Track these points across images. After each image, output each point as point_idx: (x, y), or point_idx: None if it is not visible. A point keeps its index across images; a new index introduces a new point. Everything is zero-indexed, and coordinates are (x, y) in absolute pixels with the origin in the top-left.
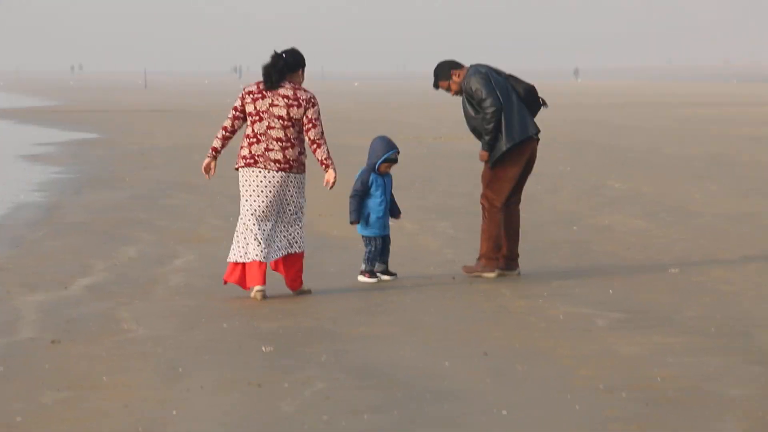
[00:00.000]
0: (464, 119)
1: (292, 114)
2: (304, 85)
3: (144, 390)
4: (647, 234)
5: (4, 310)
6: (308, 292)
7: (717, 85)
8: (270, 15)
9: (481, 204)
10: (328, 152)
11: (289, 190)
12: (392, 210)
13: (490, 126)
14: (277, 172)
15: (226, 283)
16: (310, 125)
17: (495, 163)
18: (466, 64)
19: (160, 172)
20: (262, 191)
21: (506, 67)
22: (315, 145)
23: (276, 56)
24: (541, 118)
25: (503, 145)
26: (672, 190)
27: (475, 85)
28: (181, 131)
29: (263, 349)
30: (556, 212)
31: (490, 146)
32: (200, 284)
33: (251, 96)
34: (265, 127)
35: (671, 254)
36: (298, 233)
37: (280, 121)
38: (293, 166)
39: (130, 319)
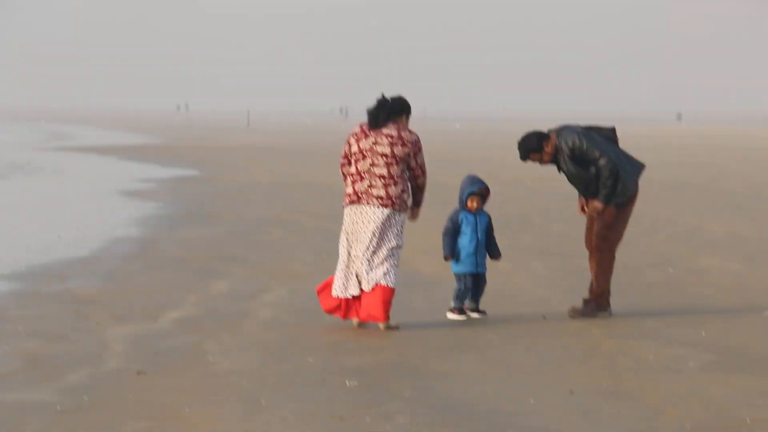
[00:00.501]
0: (567, 179)
1: (396, 152)
2: None
3: (225, 422)
4: (744, 277)
5: (93, 341)
6: (396, 328)
7: None
8: (376, 56)
9: (598, 246)
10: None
11: (390, 227)
12: (491, 250)
13: (611, 181)
14: (378, 207)
15: (326, 311)
16: (420, 172)
17: (617, 207)
18: (546, 131)
19: (257, 209)
20: (363, 226)
21: (604, 111)
22: (420, 193)
23: (382, 99)
24: (641, 160)
25: (628, 190)
26: None
27: (584, 144)
28: (280, 170)
29: (347, 383)
30: (653, 254)
31: (608, 198)
32: (289, 319)
33: (355, 137)
34: (368, 165)
35: None
36: (391, 268)
37: (384, 158)
38: (396, 203)
39: (216, 352)
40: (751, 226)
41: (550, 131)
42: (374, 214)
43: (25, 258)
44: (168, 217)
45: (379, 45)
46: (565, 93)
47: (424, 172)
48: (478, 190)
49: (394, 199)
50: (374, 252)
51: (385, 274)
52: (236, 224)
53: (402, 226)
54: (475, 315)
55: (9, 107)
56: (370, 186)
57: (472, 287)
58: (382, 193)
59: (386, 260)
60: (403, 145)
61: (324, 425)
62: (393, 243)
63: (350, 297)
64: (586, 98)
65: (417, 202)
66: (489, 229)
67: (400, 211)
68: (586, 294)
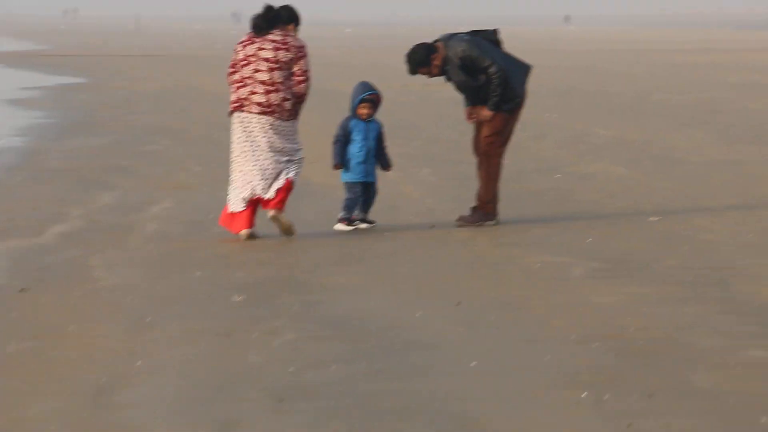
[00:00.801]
0: (455, 87)
1: (280, 57)
2: None
3: (110, 340)
4: (630, 182)
5: None
6: (290, 226)
7: (711, 31)
8: None
9: (486, 152)
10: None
11: (274, 136)
12: (381, 161)
13: (500, 89)
14: (257, 115)
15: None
16: (303, 78)
17: (506, 113)
18: (430, 41)
19: (144, 117)
20: (244, 135)
21: (492, 14)
22: (299, 101)
23: (268, 6)
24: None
25: (517, 96)
26: (657, 137)
27: (473, 52)
28: (168, 77)
29: (234, 298)
30: (540, 160)
31: (498, 105)
32: (176, 231)
33: (242, 45)
34: (251, 71)
35: (653, 202)
36: (293, 167)
37: (267, 63)
38: (275, 111)
39: (101, 267)
40: (636, 130)
41: (436, 42)
42: (253, 122)
43: None
44: (53, 127)
45: None
46: None
47: (306, 78)
48: (369, 97)
49: (274, 107)
50: (262, 162)
51: (286, 171)
52: (123, 133)
53: (288, 135)
54: (363, 225)
55: None
56: (252, 93)
57: (362, 197)
58: (263, 99)
59: (283, 169)
60: (287, 50)
61: (210, 343)
62: (283, 153)
63: (239, 211)
64: (471, 1)
65: (294, 113)
66: (380, 139)
67: (281, 119)
68: (474, 202)
